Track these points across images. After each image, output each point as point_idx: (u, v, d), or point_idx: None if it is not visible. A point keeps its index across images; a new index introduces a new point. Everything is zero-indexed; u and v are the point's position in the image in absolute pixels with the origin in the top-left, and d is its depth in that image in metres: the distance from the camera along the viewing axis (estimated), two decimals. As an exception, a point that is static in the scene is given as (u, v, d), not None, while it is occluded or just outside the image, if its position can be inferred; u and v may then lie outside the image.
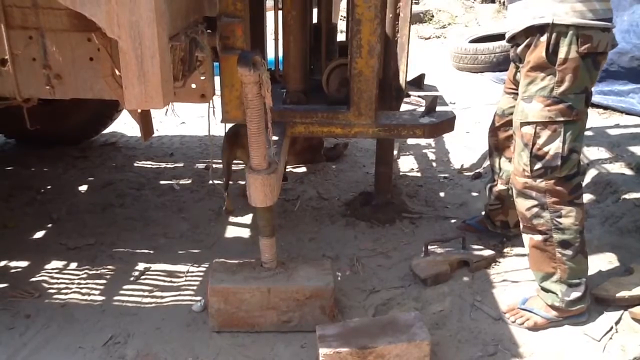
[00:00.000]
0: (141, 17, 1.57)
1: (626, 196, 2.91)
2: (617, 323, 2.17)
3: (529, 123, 2.08)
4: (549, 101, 2.02)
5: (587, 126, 3.90)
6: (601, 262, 2.52)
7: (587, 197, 3.06)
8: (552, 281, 2.17)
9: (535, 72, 2.04)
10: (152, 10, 1.56)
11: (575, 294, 2.15)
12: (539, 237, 2.16)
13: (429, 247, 2.63)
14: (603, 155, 3.41)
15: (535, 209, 2.14)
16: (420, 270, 2.49)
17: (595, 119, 4.32)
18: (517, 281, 2.45)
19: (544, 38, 2.00)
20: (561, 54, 1.97)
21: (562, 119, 2.02)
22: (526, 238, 2.22)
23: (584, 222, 2.16)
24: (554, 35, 1.98)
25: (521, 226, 2.23)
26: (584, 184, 3.17)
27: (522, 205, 2.18)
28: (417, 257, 2.62)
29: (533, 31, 2.03)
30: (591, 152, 3.48)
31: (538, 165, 2.08)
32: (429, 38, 8.18)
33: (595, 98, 4.54)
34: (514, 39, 2.16)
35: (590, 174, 3.20)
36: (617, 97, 4.51)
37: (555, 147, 2.05)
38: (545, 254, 2.16)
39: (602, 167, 3.22)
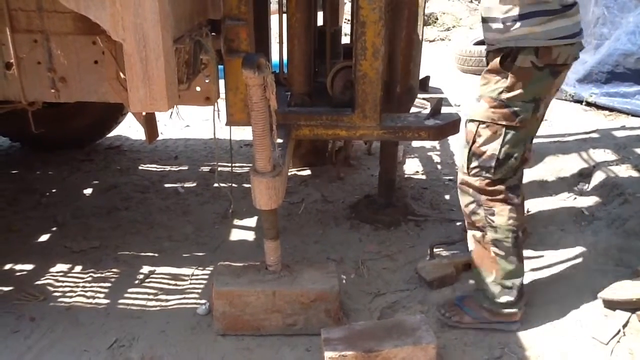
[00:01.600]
0: (146, 20, 1.57)
1: (633, 198, 2.89)
2: (624, 326, 2.15)
3: (473, 121, 2.10)
4: (495, 103, 2.03)
5: (593, 128, 3.96)
6: (608, 265, 2.50)
7: (593, 200, 3.04)
8: (487, 281, 2.17)
9: (490, 75, 2.06)
10: (157, 12, 1.56)
11: (507, 298, 2.14)
12: (478, 234, 2.18)
13: (435, 250, 2.62)
14: (609, 157, 3.40)
15: (472, 206, 2.16)
16: (426, 273, 2.48)
17: (601, 120, 4.30)
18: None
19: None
20: (518, 62, 1.98)
21: (504, 122, 2.03)
22: (469, 234, 2.23)
23: (520, 224, 2.15)
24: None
25: (465, 222, 2.25)
26: (590, 186, 3.16)
27: (462, 201, 2.20)
28: (422, 259, 2.60)
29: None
30: (597, 154, 3.46)
31: (474, 164, 2.10)
32: (433, 40, 8.18)
33: (601, 100, 4.53)
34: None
35: (597, 176, 3.19)
36: (623, 98, 4.49)
37: (492, 149, 2.05)
38: (484, 252, 2.17)
39: (609, 170, 3.20)
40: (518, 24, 1.96)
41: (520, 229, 2.15)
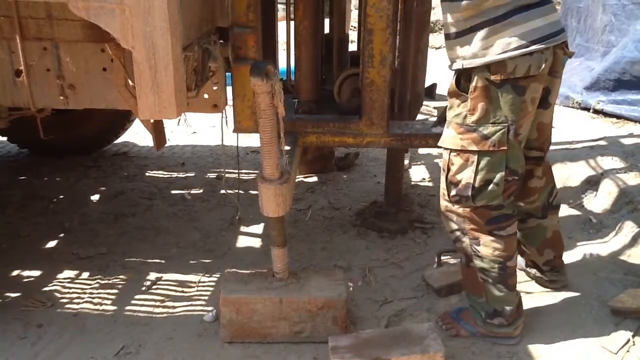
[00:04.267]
0: (155, 28, 1.58)
1: (641, 206, 2.88)
2: (634, 335, 2.14)
3: (445, 148, 2.00)
4: (461, 129, 1.92)
5: (601, 135, 3.95)
6: (616, 273, 2.49)
7: (601, 207, 3.03)
8: (478, 302, 2.13)
9: (452, 99, 1.97)
10: (166, 20, 1.57)
11: (499, 320, 2.10)
12: (464, 259, 2.14)
13: (442, 258, 2.61)
14: (617, 165, 3.38)
15: (457, 233, 2.08)
16: (433, 280, 2.47)
17: (608, 128, 4.29)
18: (530, 292, 2.42)
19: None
20: (473, 82, 1.87)
21: (475, 148, 1.89)
22: (458, 257, 2.21)
23: (509, 254, 2.02)
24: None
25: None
26: (598, 194, 3.14)
27: (446, 227, 2.14)
28: (429, 267, 2.60)
29: None
30: (605, 162, 3.45)
31: (453, 192, 1.99)
32: (439, 48, 8.17)
33: (609, 107, 4.52)
34: None
35: (605, 183, 3.17)
36: (630, 106, 4.48)
37: (467, 177, 1.93)
38: (472, 275, 2.12)
39: (617, 177, 3.18)
40: (462, 40, 1.86)
41: (509, 260, 2.02)
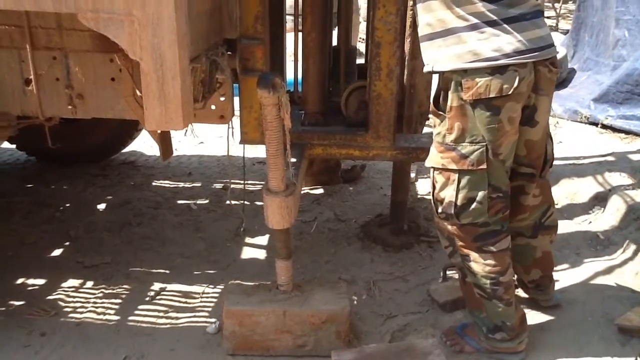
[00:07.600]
0: (163, 39, 1.58)
1: (650, 223, 2.86)
2: (641, 354, 2.12)
3: (430, 167, 2.00)
4: (442, 147, 1.92)
5: (609, 151, 3.92)
6: (623, 290, 2.47)
7: (609, 224, 3.01)
8: (479, 317, 2.11)
9: (433, 117, 1.98)
10: (174, 32, 1.58)
11: (501, 334, 2.08)
12: (460, 275, 2.13)
13: (448, 272, 2.59)
14: (625, 181, 3.36)
15: (450, 249, 2.08)
16: (438, 295, 2.45)
17: (617, 143, 4.26)
18: (536, 307, 2.39)
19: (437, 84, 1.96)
20: (449, 101, 1.87)
21: (454, 167, 1.89)
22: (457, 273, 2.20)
23: (502, 269, 1.99)
24: (442, 82, 1.92)
25: None
26: (605, 210, 3.12)
27: (442, 242, 2.14)
28: (435, 281, 2.58)
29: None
30: (613, 178, 3.43)
31: (440, 209, 1.98)
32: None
33: (617, 122, 4.50)
34: None
35: (613, 200, 3.15)
36: (640, 121, 4.45)
37: (449, 195, 1.93)
38: (469, 291, 2.10)
39: (625, 193, 3.16)
40: (432, 42, 1.86)
41: (502, 275, 1.99)
